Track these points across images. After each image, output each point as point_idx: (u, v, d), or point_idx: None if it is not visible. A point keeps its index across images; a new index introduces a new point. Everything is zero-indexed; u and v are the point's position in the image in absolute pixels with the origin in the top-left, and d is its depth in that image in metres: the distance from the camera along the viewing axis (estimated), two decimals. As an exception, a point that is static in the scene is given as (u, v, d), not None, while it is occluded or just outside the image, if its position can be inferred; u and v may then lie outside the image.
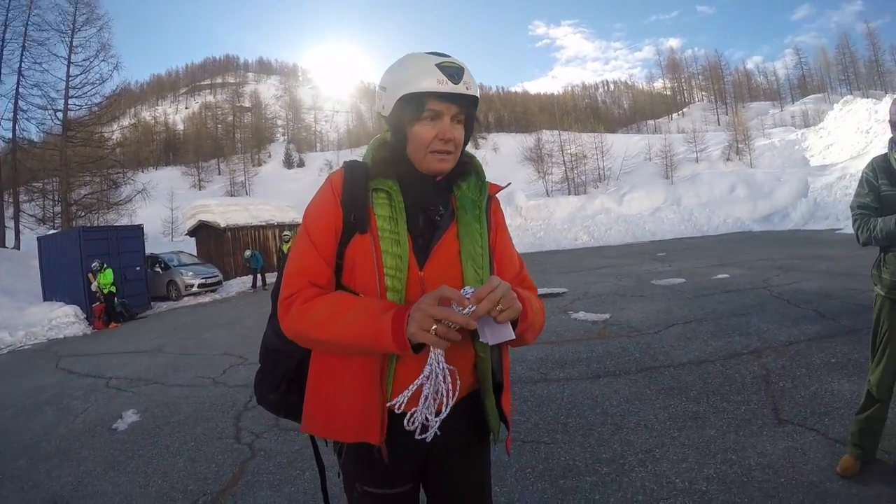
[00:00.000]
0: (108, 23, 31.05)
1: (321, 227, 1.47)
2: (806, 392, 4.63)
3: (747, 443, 3.78)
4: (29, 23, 29.03)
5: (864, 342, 5.77)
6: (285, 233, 21.48)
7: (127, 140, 56.78)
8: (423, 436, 1.33)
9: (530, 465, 3.78)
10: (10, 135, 29.61)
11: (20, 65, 28.96)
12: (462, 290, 1.27)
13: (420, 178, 1.49)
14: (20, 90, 29.32)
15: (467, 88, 1.40)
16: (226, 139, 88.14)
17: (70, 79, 29.54)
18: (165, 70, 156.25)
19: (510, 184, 2.22)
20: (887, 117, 3.05)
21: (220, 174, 74.39)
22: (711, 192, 30.99)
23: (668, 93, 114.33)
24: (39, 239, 20.20)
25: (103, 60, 30.27)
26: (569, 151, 49.07)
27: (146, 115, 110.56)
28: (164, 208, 51.17)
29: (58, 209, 30.70)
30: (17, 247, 27.62)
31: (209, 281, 20.99)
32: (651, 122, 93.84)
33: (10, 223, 28.74)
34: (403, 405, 1.32)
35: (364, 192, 1.46)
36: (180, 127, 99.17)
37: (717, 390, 4.82)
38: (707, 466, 3.50)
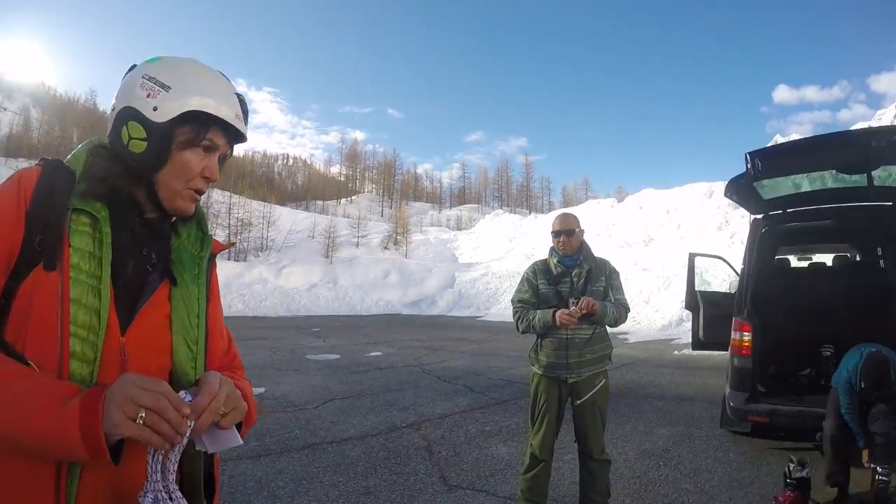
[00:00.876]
0: None
1: None
2: (469, 458, 4.86)
3: (423, 511, 3.72)
4: None
5: (512, 411, 6.47)
6: None
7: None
8: None
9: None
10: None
11: None
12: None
13: (138, 210, 1.12)
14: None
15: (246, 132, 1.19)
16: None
17: None
18: None
19: (235, 243, 1.79)
20: (551, 228, 3.61)
21: None
22: (367, 274, 32.98)
23: (342, 179, 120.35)
24: None
25: None
26: (236, 215, 47.64)
27: None
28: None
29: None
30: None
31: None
32: (321, 202, 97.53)
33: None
34: None
35: (63, 209, 1.02)
36: None
37: (383, 463, 4.72)
38: (387, 540, 3.30)
